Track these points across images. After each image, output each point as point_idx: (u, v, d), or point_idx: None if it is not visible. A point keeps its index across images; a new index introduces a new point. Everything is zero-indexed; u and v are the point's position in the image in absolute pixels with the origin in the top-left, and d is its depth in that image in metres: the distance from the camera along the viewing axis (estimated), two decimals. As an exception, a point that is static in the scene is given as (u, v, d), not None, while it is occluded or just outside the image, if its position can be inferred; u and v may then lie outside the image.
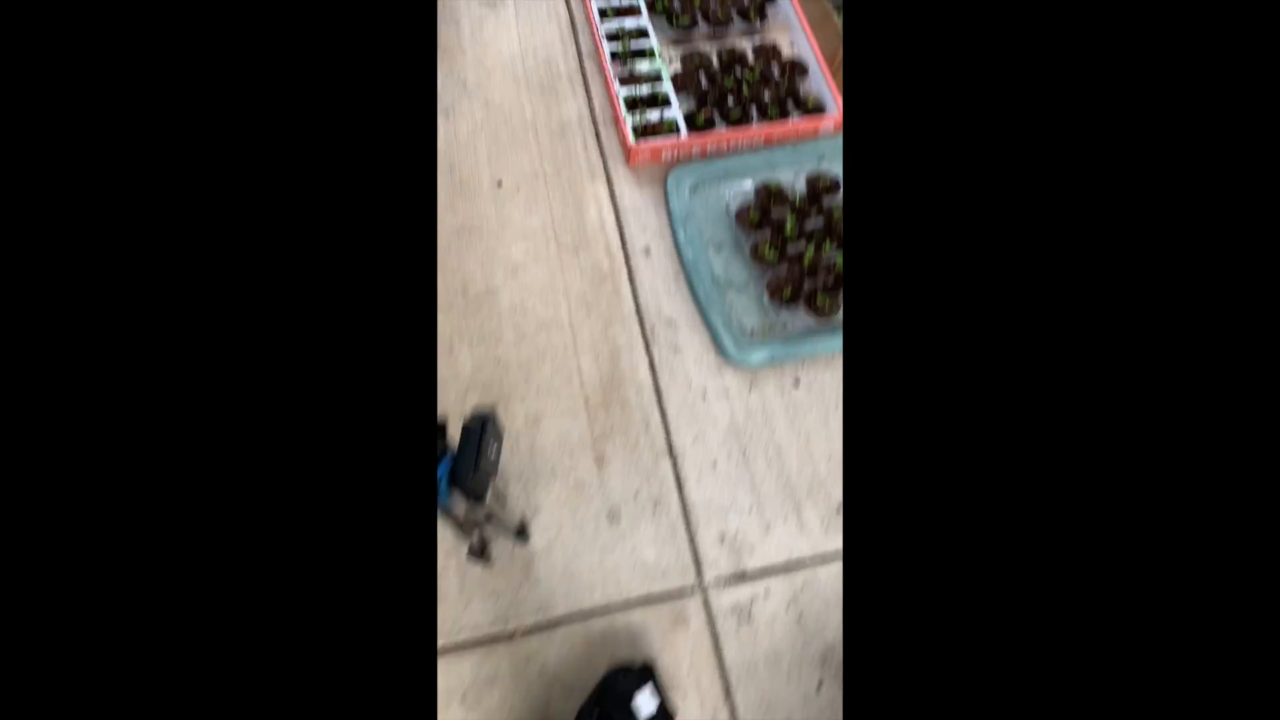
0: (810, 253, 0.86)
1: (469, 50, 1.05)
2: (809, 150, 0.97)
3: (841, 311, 0.85)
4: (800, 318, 0.85)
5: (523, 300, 0.86)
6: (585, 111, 1.00)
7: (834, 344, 0.83)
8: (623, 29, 1.03)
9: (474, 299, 0.85)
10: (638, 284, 0.88)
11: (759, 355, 0.81)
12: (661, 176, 0.95)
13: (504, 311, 0.85)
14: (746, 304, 0.86)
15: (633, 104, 0.97)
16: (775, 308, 0.85)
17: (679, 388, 0.81)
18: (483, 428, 0.54)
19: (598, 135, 0.98)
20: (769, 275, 0.86)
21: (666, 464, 0.77)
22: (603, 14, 1.04)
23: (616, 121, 0.97)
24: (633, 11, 1.05)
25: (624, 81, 0.98)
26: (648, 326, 0.85)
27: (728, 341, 0.82)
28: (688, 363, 0.83)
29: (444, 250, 0.87)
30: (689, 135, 0.94)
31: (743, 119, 0.97)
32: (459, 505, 0.59)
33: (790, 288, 0.85)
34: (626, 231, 0.91)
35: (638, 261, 0.89)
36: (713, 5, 1.06)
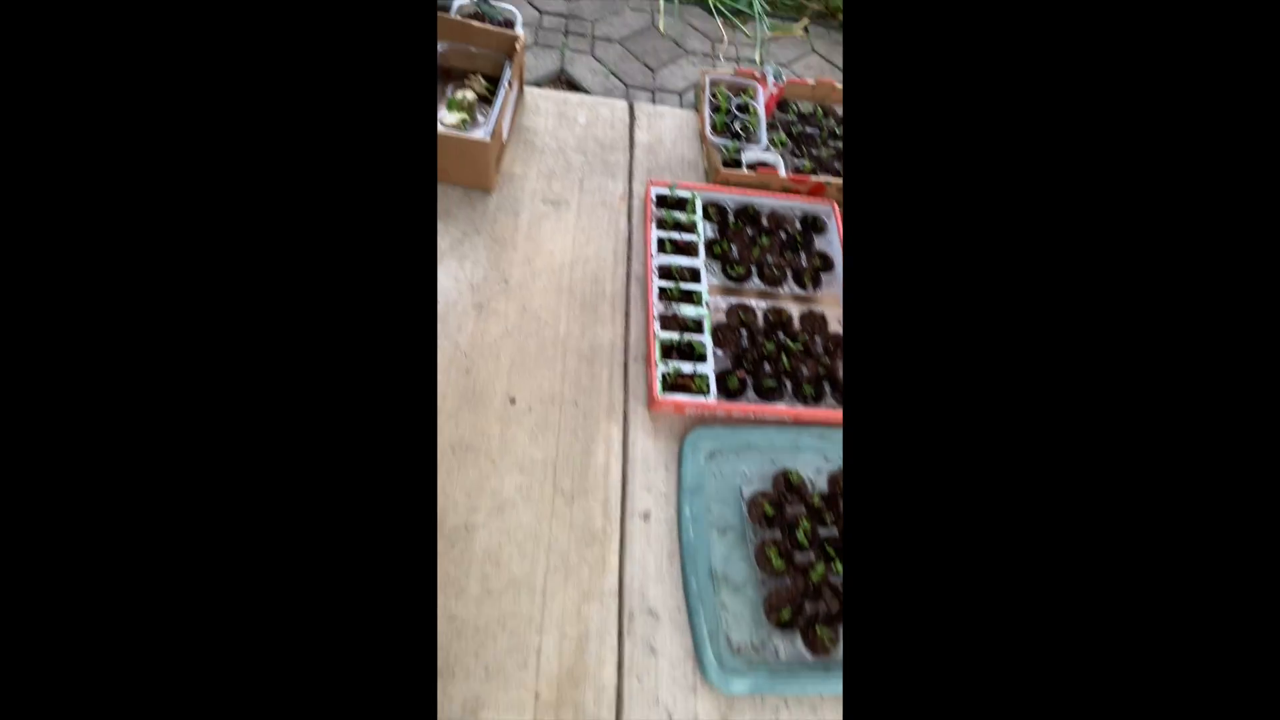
0: (820, 570, 0.79)
1: (521, 246, 1.04)
2: (837, 439, 0.92)
3: (840, 649, 0.76)
4: (794, 644, 0.76)
5: (500, 546, 0.78)
6: (620, 341, 0.97)
7: (823, 687, 0.73)
8: (676, 266, 1.02)
9: (448, 534, 0.77)
10: (627, 556, 0.80)
11: (740, 685, 0.72)
12: (680, 429, 0.90)
13: (476, 556, 0.77)
14: (739, 610, 0.77)
15: (668, 350, 0.93)
16: (769, 627, 0.76)
17: (643, 703, 0.71)
18: None
19: (625, 369, 0.94)
20: (770, 585, 0.78)
21: (608, 807, 0.66)
22: (661, 245, 1.04)
23: (648, 361, 0.94)
24: (690, 250, 1.05)
25: (665, 324, 0.95)
26: (626, 613, 0.76)
27: (710, 660, 0.73)
28: (660, 670, 0.73)
29: (432, 468, 0.81)
30: (717, 399, 0.90)
31: (776, 390, 0.93)
32: None
33: (790, 608, 0.77)
34: (630, 488, 0.85)
35: (633, 527, 0.82)
36: (769, 262, 1.06)
